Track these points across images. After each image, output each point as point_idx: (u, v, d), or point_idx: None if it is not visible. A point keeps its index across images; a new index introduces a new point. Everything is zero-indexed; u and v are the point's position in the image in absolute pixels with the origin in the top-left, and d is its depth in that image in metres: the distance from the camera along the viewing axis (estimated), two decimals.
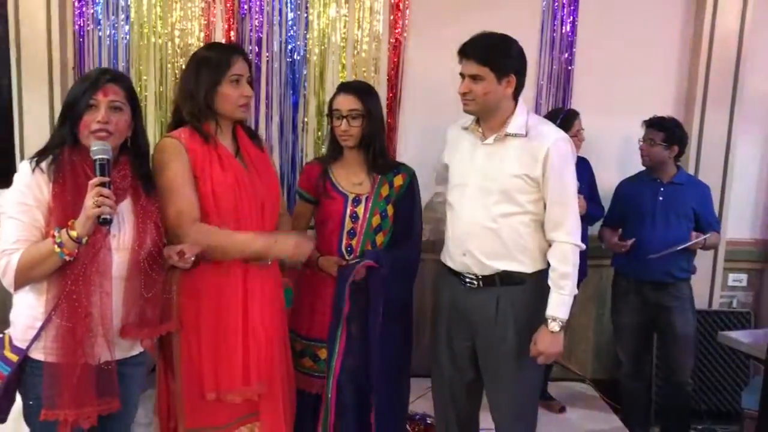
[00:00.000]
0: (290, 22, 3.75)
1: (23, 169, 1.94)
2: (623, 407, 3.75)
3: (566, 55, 3.91)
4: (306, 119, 3.82)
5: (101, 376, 1.94)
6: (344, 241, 2.60)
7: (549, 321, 2.36)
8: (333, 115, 2.59)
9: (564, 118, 3.49)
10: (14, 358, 1.96)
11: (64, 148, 1.96)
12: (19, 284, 1.92)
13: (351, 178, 2.63)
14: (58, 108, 3.60)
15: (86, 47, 3.69)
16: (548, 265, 2.43)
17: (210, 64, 2.28)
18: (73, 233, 1.83)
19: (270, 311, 2.35)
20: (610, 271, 3.72)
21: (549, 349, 2.37)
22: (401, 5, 3.75)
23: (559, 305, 2.37)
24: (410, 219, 2.66)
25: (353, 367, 2.54)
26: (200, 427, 2.30)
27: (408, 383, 2.77)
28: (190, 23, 3.72)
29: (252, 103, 2.43)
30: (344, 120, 2.54)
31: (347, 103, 2.54)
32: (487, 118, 2.43)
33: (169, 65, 3.72)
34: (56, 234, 1.84)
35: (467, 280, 2.49)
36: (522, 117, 2.40)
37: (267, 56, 3.75)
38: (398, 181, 2.65)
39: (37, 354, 1.94)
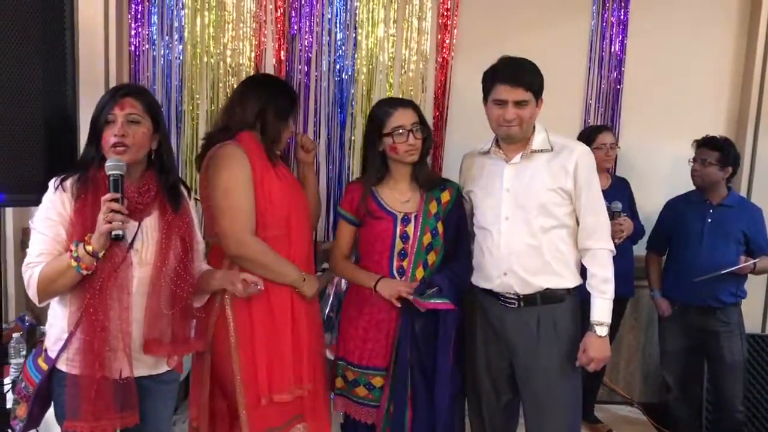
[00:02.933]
0: (339, 42, 3.81)
1: (49, 186, 2.00)
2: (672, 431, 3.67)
3: (615, 74, 3.88)
4: (353, 137, 3.86)
5: (120, 391, 1.96)
6: (395, 263, 2.51)
7: (596, 326, 2.39)
8: (393, 133, 2.46)
9: (587, 133, 3.49)
10: (45, 367, 2.03)
11: (90, 165, 2.00)
12: (41, 297, 1.95)
13: (398, 196, 2.55)
14: None
15: (141, 66, 3.80)
16: (583, 280, 2.46)
17: (286, 97, 2.53)
18: (89, 248, 1.85)
19: (310, 321, 2.47)
20: None
21: (599, 354, 2.39)
22: (449, 25, 3.79)
23: (603, 309, 2.40)
24: (460, 234, 2.58)
25: (416, 385, 2.49)
26: (263, 429, 2.37)
27: (463, 407, 2.68)
28: (242, 43, 3.81)
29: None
30: (409, 134, 2.46)
31: (409, 117, 2.48)
32: (515, 141, 2.45)
33: (220, 84, 3.81)
34: (73, 248, 1.87)
35: (507, 300, 2.48)
36: (542, 133, 2.47)
37: (316, 75, 3.81)
38: (446, 197, 2.57)
39: (63, 365, 1.99)
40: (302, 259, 2.45)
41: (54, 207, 1.95)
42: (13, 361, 2.85)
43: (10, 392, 2.58)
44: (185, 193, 2.18)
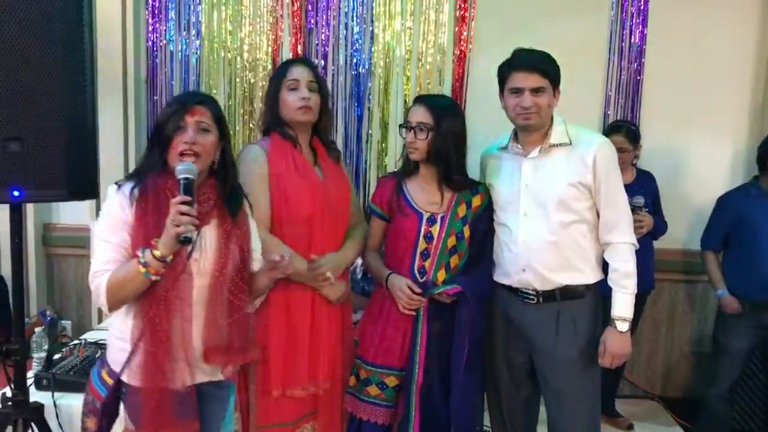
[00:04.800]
0: (356, 36, 3.80)
1: (109, 192, 1.99)
2: (702, 426, 3.56)
3: (635, 65, 3.83)
4: (370, 131, 3.86)
5: (180, 400, 1.96)
6: (417, 262, 2.47)
7: (617, 321, 2.37)
8: (403, 127, 2.50)
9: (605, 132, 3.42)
10: (110, 381, 2.02)
11: (151, 171, 1.98)
12: (111, 304, 1.94)
13: (426, 195, 2.50)
14: (131, 118, 3.78)
15: (158, 62, 3.82)
16: (604, 275, 2.44)
17: (273, 76, 2.48)
18: (157, 252, 1.83)
19: (333, 321, 2.47)
20: (679, 286, 3.60)
21: (620, 349, 2.37)
22: (466, 18, 3.77)
23: (624, 305, 2.38)
24: (486, 239, 2.54)
25: (431, 385, 2.46)
26: (269, 423, 2.39)
27: (482, 404, 2.65)
28: (259, 38, 3.81)
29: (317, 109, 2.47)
30: (412, 131, 2.43)
31: (417, 115, 2.44)
32: (532, 133, 2.42)
33: (238, 79, 3.82)
34: (140, 254, 1.85)
35: (526, 296, 2.47)
36: (561, 126, 2.43)
37: (333, 69, 3.80)
38: (476, 201, 2.52)
39: (126, 377, 1.99)
40: None
41: (115, 213, 1.95)
42: (35, 355, 2.88)
43: (34, 386, 2.62)
44: (245, 200, 2.16)
